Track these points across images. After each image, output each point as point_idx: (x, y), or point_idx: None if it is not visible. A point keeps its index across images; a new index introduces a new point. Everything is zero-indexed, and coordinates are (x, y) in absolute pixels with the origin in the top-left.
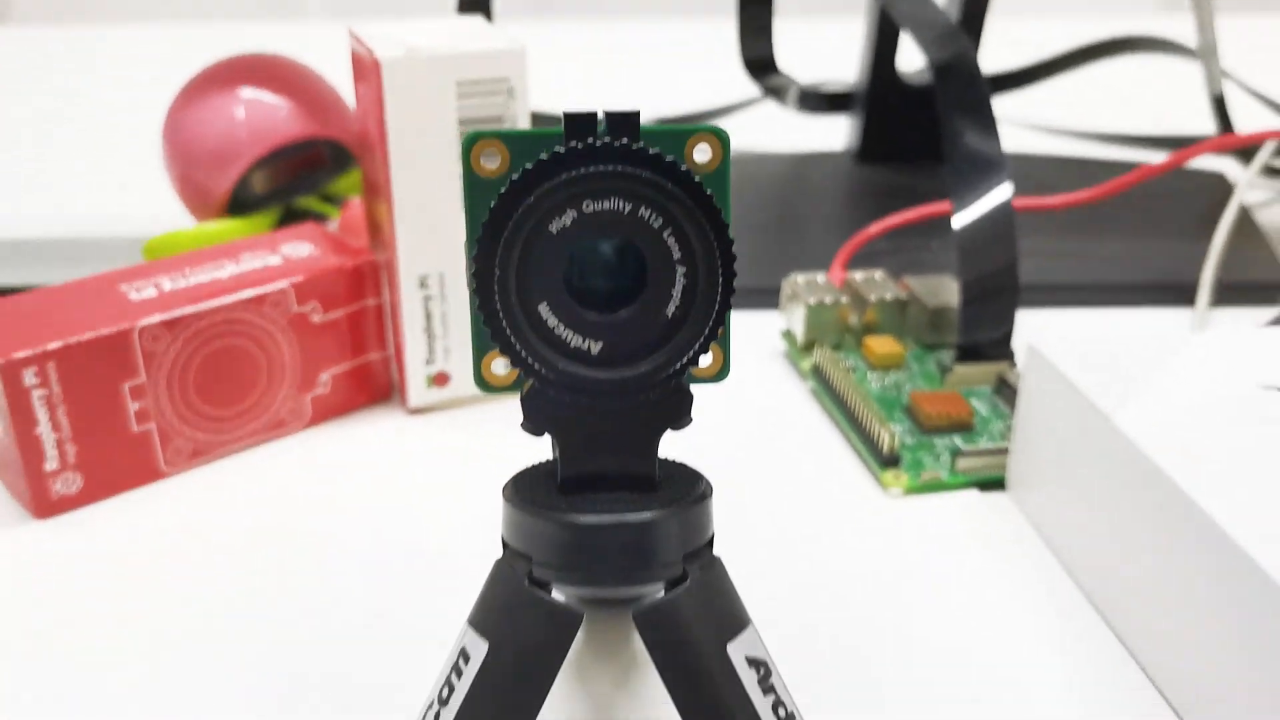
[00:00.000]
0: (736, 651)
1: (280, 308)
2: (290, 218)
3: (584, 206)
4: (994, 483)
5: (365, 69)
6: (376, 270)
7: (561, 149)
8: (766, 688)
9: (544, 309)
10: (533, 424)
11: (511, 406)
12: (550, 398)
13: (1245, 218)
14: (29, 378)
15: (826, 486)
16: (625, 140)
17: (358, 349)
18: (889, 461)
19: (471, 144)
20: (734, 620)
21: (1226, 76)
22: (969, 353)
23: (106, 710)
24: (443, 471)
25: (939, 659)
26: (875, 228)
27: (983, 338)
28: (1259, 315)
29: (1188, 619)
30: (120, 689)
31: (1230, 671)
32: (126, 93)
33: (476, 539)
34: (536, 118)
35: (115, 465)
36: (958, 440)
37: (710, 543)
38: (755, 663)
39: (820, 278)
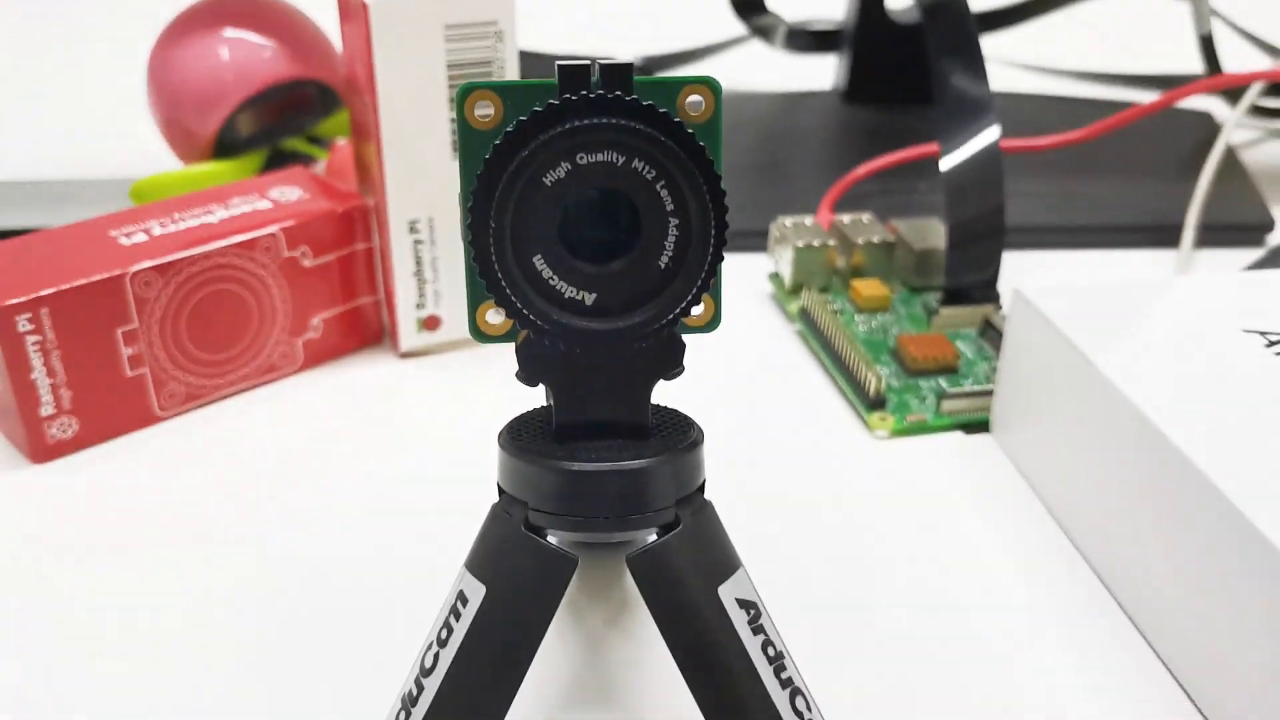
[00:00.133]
0: (727, 594)
1: (271, 252)
2: (277, 159)
3: (578, 159)
4: (978, 424)
5: (352, 11)
6: (366, 214)
7: (556, 101)
8: (756, 628)
9: (538, 261)
10: (527, 374)
11: (501, 350)
12: (545, 348)
13: (1231, 158)
14: (23, 324)
15: (813, 429)
16: (619, 92)
17: (348, 293)
18: (875, 404)
19: (465, 95)
20: (725, 563)
21: (1215, 15)
22: (955, 295)
23: (105, 650)
24: (434, 414)
25: (923, 598)
26: (863, 169)
27: (969, 281)
28: (1242, 256)
29: (1163, 555)
30: (117, 629)
31: (1200, 601)
32: (111, 31)
33: (469, 480)
34: (525, 56)
35: (110, 409)
36: (943, 382)
37: (702, 488)
38: (745, 604)
39: (808, 221)
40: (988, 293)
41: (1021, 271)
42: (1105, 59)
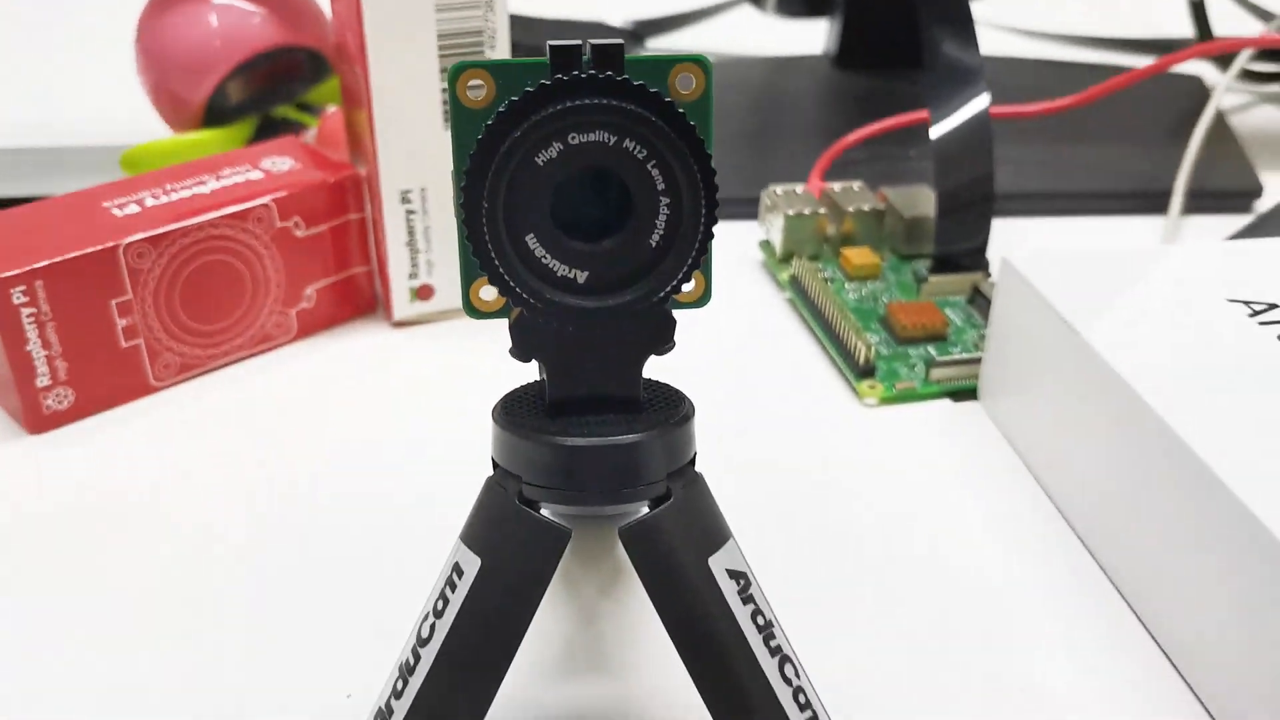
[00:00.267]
0: (717, 565)
1: (264, 223)
2: (267, 127)
3: (570, 139)
4: (966, 392)
5: None
6: (359, 184)
7: (548, 81)
8: (746, 598)
9: (531, 239)
10: (520, 350)
11: (494, 320)
12: (538, 325)
13: (1221, 123)
14: (17, 296)
15: (803, 396)
16: (610, 72)
17: (341, 263)
18: (865, 372)
19: (457, 74)
20: (715, 535)
21: None
22: (944, 263)
23: (100, 618)
24: (428, 382)
25: (909, 566)
26: (853, 136)
27: (958, 248)
28: (1230, 222)
29: (1145, 522)
30: (114, 597)
31: (1181, 566)
32: None
33: (462, 449)
34: (516, 20)
35: (105, 380)
36: (932, 350)
37: (692, 461)
38: (735, 574)
39: (799, 189)
40: (977, 260)
41: (1011, 238)
42: (1096, 23)
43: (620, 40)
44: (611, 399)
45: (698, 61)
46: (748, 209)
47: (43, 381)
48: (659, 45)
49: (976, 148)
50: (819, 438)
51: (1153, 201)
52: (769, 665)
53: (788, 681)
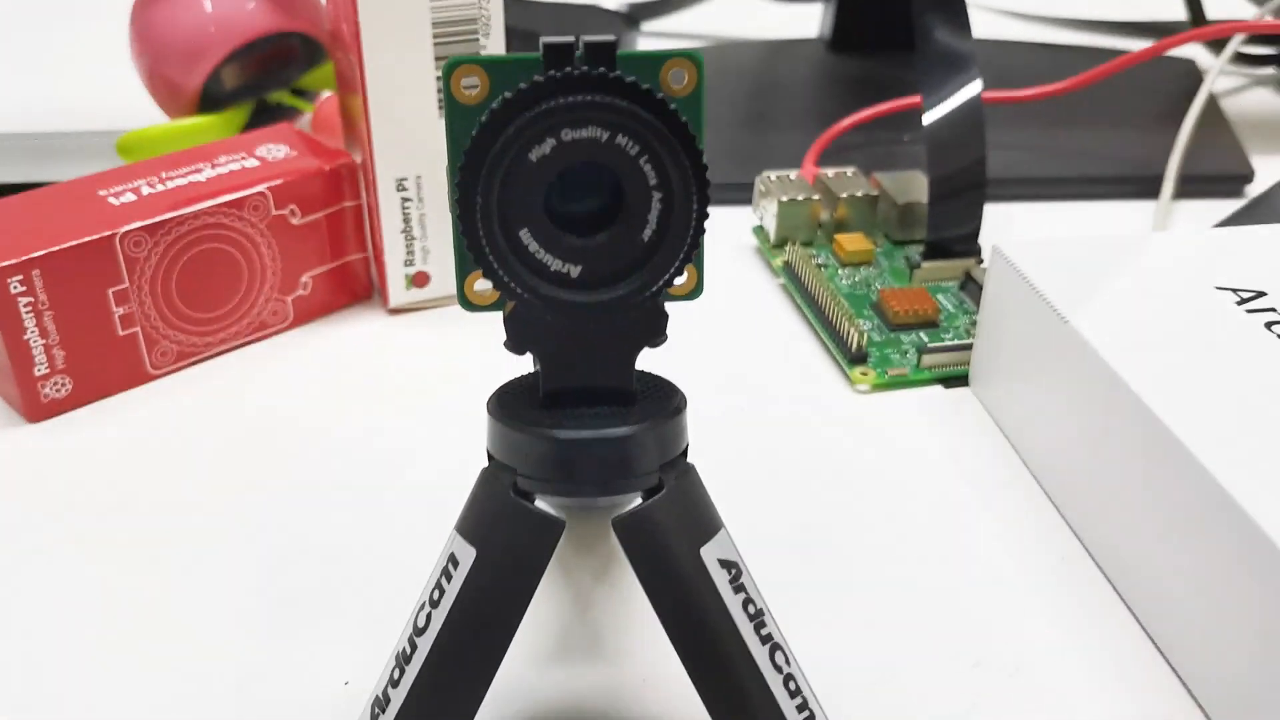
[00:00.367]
0: (709, 554)
1: (260, 211)
2: (262, 112)
3: (563, 135)
4: (958, 378)
5: None
6: (354, 172)
7: (541, 78)
8: (737, 587)
9: (525, 235)
10: (515, 343)
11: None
12: (532, 318)
13: (1213, 106)
14: (14, 285)
15: (797, 382)
16: (602, 69)
17: (337, 250)
18: (857, 359)
19: (452, 70)
20: (707, 525)
21: None
22: (937, 249)
23: (99, 604)
24: (424, 369)
25: (899, 550)
26: (847, 122)
27: (950, 234)
28: (1222, 207)
29: (1131, 509)
30: (112, 583)
31: (1164, 551)
32: None
33: (457, 434)
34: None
35: (103, 368)
36: (924, 336)
37: (685, 452)
38: (726, 564)
39: (792, 175)
40: (969, 246)
41: (1003, 223)
42: (1089, 5)
43: (613, 38)
44: (605, 391)
45: (689, 57)
46: (742, 194)
47: (41, 370)
48: (654, 28)
49: (969, 134)
50: (812, 424)
51: (1145, 186)
52: (760, 653)
53: (778, 669)
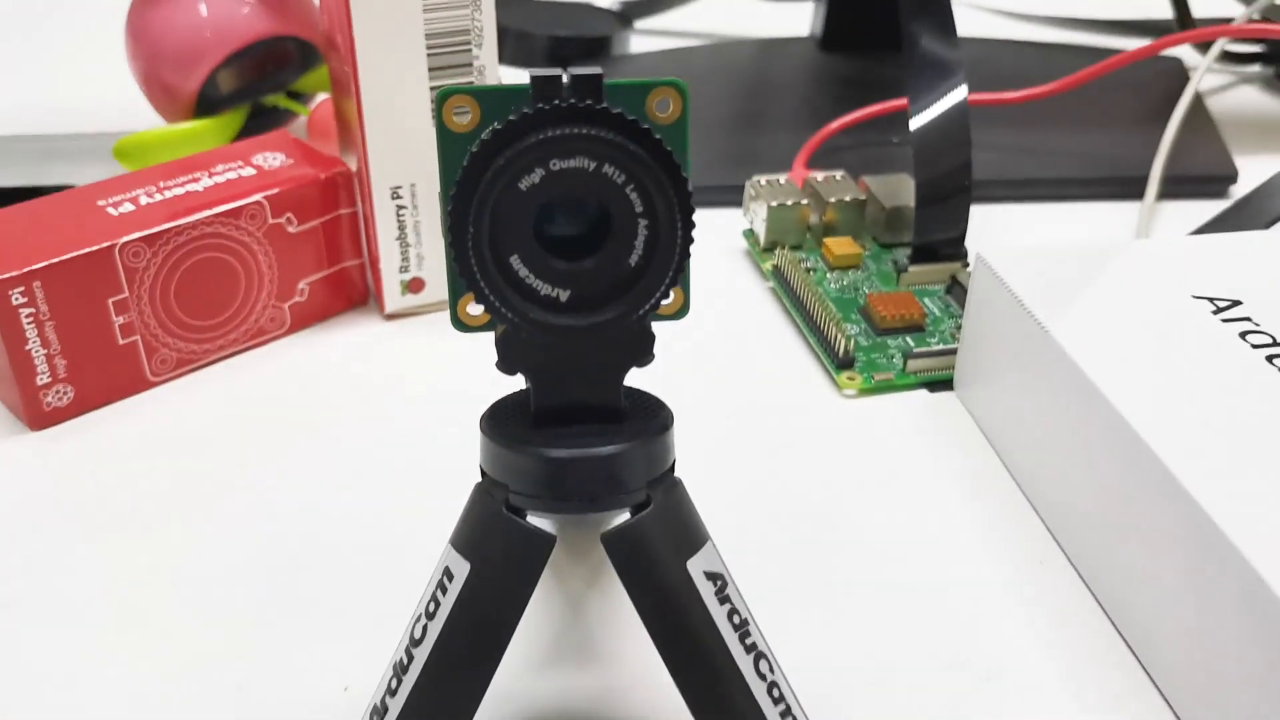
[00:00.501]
0: (695, 567)
1: (256, 220)
2: (258, 115)
3: (551, 165)
4: (942, 382)
5: None
6: (349, 180)
7: (530, 110)
8: (723, 598)
9: (515, 260)
10: (506, 364)
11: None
12: (522, 340)
13: (1199, 105)
14: (16, 297)
15: (784, 386)
16: (589, 101)
17: (333, 257)
18: (844, 363)
19: (444, 99)
20: (693, 539)
21: None
22: (923, 253)
23: (102, 609)
24: (419, 374)
25: (883, 554)
26: (836, 124)
27: (937, 238)
28: (1205, 208)
29: (1103, 512)
30: (115, 588)
31: (1138, 556)
32: None
33: (452, 435)
34: (504, 4)
35: (104, 377)
36: (910, 341)
37: (672, 468)
38: (712, 576)
39: (782, 179)
40: (956, 250)
41: (989, 225)
42: (1076, 4)
43: (599, 70)
44: (594, 409)
45: (674, 85)
46: (733, 196)
47: (43, 379)
48: (647, 25)
49: (955, 139)
50: (798, 428)
51: (1130, 187)
52: (744, 662)
53: (762, 677)
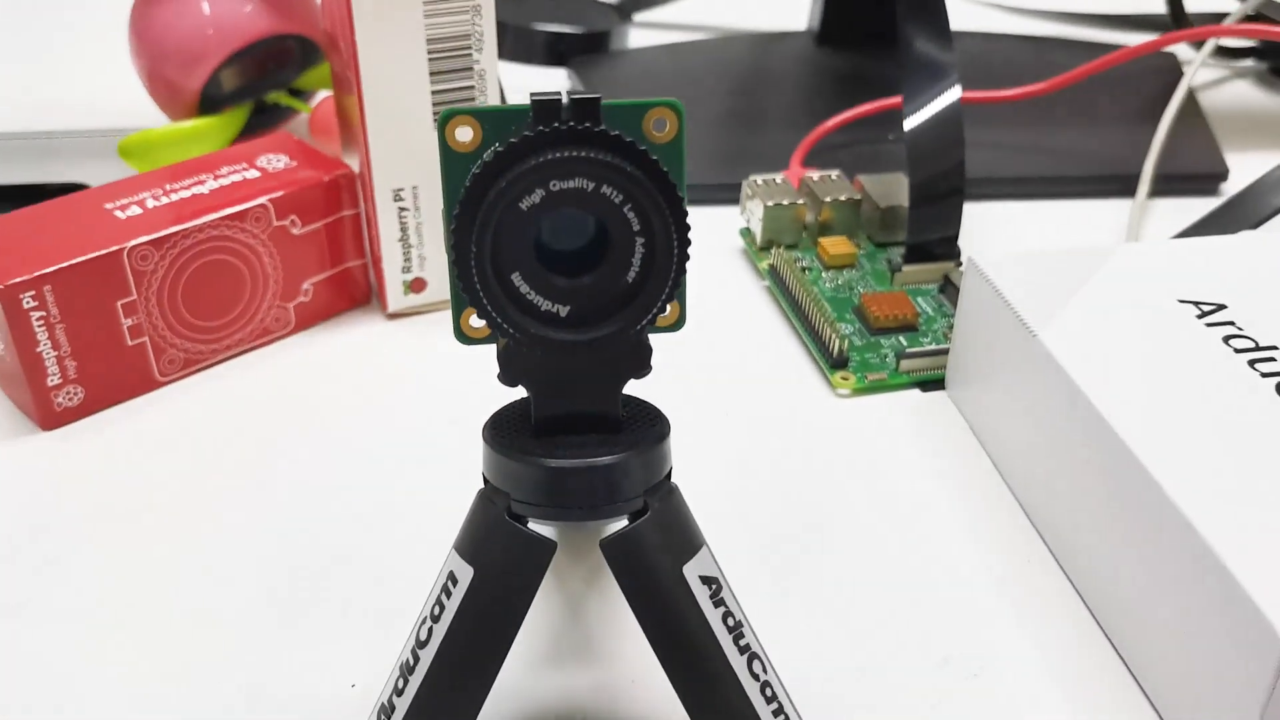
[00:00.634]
0: (691, 572)
1: (261, 223)
2: (260, 112)
3: (551, 185)
4: (934, 381)
5: None
6: (352, 182)
7: (530, 134)
8: (717, 601)
9: (516, 277)
10: (508, 376)
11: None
12: (523, 354)
13: (1191, 102)
14: (27, 301)
15: (779, 386)
16: (588, 124)
17: (337, 257)
18: (838, 363)
19: (446, 120)
20: (689, 544)
21: None
22: (917, 252)
23: (113, 607)
24: (421, 371)
25: (874, 553)
26: (832, 122)
27: (930, 238)
28: (1196, 205)
29: (1090, 514)
30: (126, 586)
31: (1118, 558)
32: None
33: (455, 433)
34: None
35: (113, 377)
36: (903, 340)
37: (668, 475)
38: (707, 580)
39: (778, 178)
40: (949, 250)
41: (982, 223)
42: None
43: (598, 95)
44: (593, 419)
45: (670, 105)
46: (730, 194)
47: (53, 380)
48: (646, 18)
49: (948, 140)
50: (792, 427)
51: (1123, 184)
52: (738, 663)
53: (755, 677)
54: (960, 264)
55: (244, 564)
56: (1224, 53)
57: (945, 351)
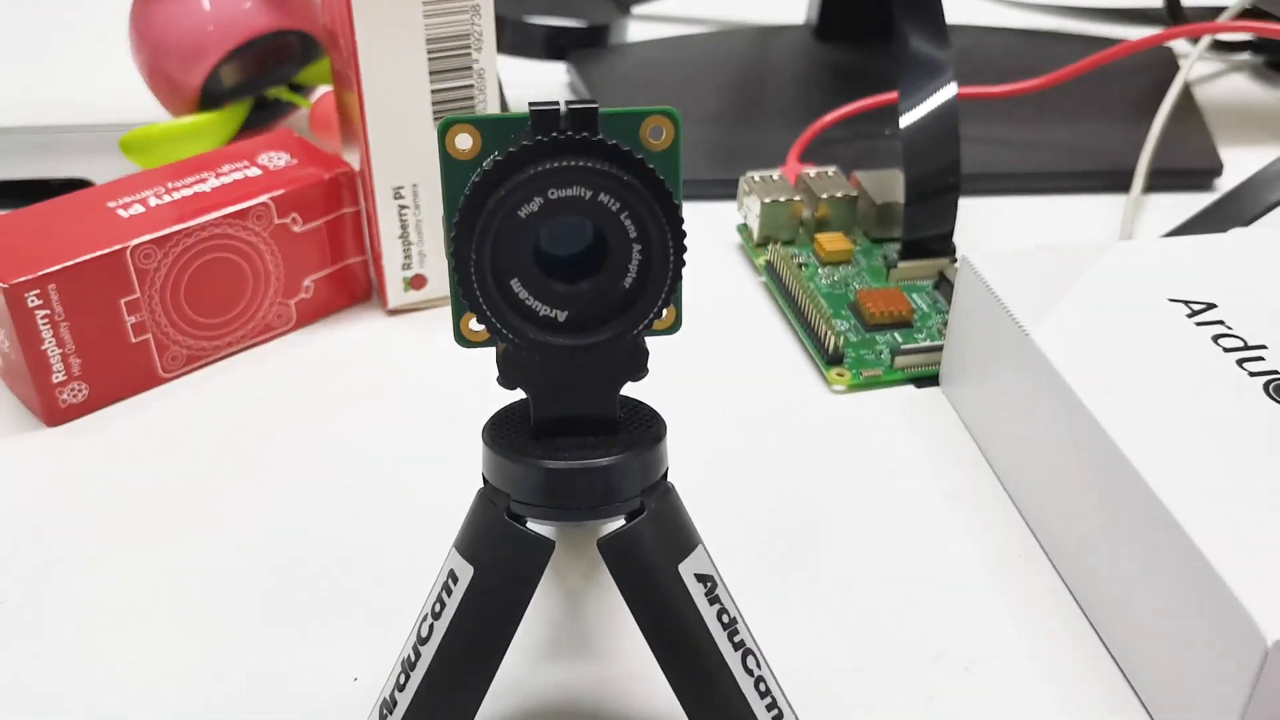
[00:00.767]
0: (687, 570)
1: (263, 220)
2: (260, 108)
3: (549, 194)
4: (929, 377)
5: None
6: (352, 180)
7: (529, 143)
8: (712, 599)
9: (515, 284)
10: (507, 379)
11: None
12: (522, 358)
13: (1187, 96)
14: (32, 299)
15: (775, 382)
16: (586, 133)
17: (337, 254)
18: (834, 359)
19: (446, 129)
20: (685, 543)
21: None
22: (913, 248)
23: (117, 600)
24: (422, 366)
25: (867, 549)
26: (829, 118)
27: (925, 235)
28: (1190, 201)
29: (1081, 511)
30: (131, 580)
31: (1108, 555)
32: None
33: (455, 429)
34: None
35: (117, 374)
36: (898, 336)
37: (665, 475)
38: (703, 578)
39: (775, 175)
40: (944, 246)
41: (978, 219)
42: None
43: (594, 104)
44: (590, 421)
45: (667, 114)
46: (727, 190)
47: (58, 377)
48: (645, 11)
49: (944, 138)
50: (787, 423)
51: (1118, 180)
52: (733, 659)
53: (749, 672)
54: (955, 260)
55: (246, 560)
56: (1220, 46)
57: (940, 348)
